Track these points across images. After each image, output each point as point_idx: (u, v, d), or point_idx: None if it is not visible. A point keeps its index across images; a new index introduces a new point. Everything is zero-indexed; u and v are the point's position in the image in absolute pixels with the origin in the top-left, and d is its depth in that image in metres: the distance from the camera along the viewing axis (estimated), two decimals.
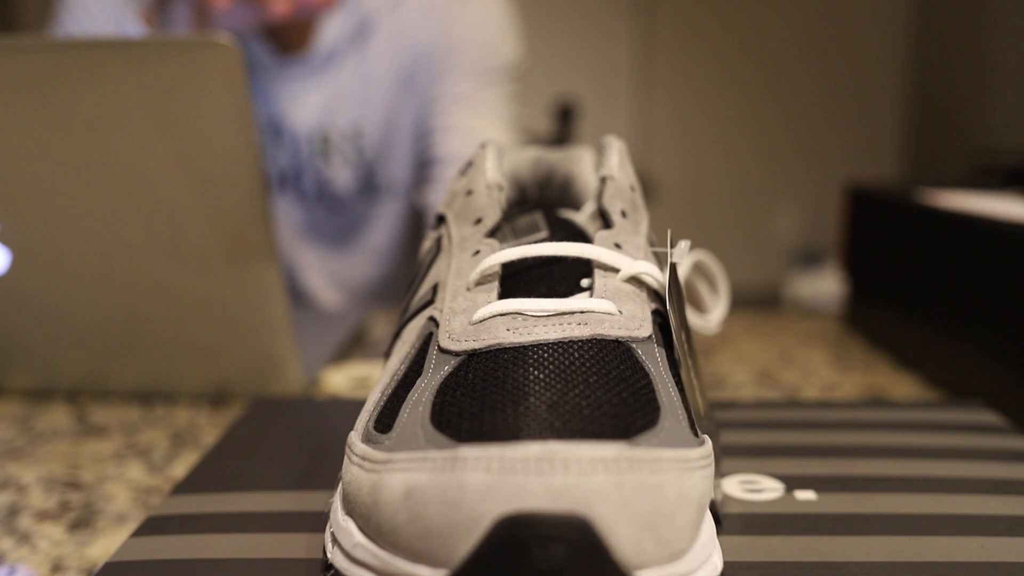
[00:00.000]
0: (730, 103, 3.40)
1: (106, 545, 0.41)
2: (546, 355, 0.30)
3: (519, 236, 0.37)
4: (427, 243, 0.41)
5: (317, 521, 0.35)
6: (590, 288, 0.34)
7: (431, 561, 0.25)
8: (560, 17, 3.33)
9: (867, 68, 3.37)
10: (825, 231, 3.37)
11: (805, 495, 0.37)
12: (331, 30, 0.94)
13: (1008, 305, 0.54)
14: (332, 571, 0.28)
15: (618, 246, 0.35)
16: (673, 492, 0.25)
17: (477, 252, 0.36)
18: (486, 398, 0.28)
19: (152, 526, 0.35)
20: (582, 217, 0.39)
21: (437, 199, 0.94)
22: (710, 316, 0.47)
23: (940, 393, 0.63)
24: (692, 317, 0.45)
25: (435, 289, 0.36)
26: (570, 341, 0.31)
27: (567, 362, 0.30)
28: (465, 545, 0.24)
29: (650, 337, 0.33)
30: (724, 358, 0.72)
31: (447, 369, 0.31)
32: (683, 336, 0.35)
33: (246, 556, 0.32)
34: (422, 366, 0.32)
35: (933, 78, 3.24)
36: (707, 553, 0.28)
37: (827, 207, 3.32)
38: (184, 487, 0.39)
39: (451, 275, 0.35)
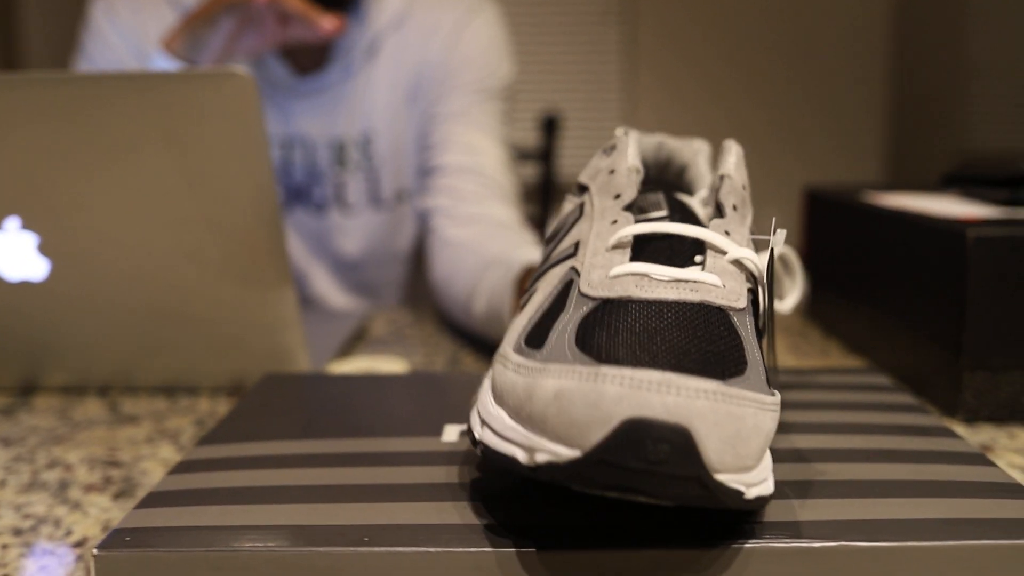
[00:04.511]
0: (714, 111, 3.48)
1: None
2: (665, 310, 0.38)
3: (644, 211, 0.46)
4: (568, 207, 0.49)
5: (318, 459, 0.43)
6: (702, 264, 0.42)
7: (569, 444, 0.32)
8: (548, 32, 3.40)
9: (849, 75, 3.44)
10: None
11: None
12: (345, 49, 1.02)
13: (939, 293, 0.61)
14: (481, 446, 0.37)
15: (727, 233, 0.43)
16: (751, 423, 0.33)
17: (615, 222, 0.44)
18: (619, 335, 0.36)
19: (185, 467, 0.43)
20: (695, 202, 0.47)
21: (435, 204, 1.01)
22: (786, 300, 0.54)
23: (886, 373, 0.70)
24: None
25: (576, 246, 0.44)
26: (684, 303, 0.39)
27: (681, 318, 0.38)
28: (598, 435, 0.32)
29: (744, 309, 0.40)
30: None
31: (585, 309, 0.39)
32: (770, 312, 0.43)
33: (262, 484, 0.40)
34: (564, 304, 0.40)
35: (913, 85, 3.32)
36: (766, 474, 0.36)
37: None
38: (207, 439, 0.47)
39: (592, 236, 0.43)
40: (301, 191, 1.07)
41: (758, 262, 0.43)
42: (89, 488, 0.51)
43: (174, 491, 0.40)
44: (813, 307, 0.88)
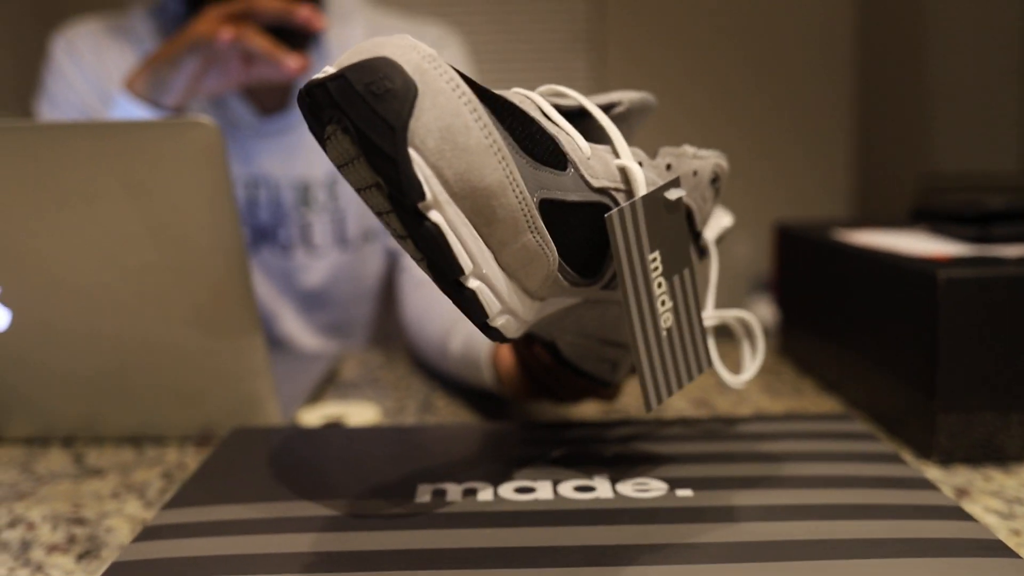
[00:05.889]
0: (683, 137, 3.50)
1: None
2: (520, 115, 0.41)
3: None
4: None
5: (287, 524, 0.41)
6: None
7: (338, 67, 0.37)
8: (518, 59, 3.41)
9: (816, 97, 3.48)
10: None
11: (684, 492, 0.45)
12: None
13: (911, 333, 0.61)
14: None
15: (640, 164, 0.45)
16: (476, 143, 0.37)
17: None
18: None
19: (150, 533, 0.42)
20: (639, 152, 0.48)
21: None
22: (741, 376, 0.53)
23: (859, 413, 0.70)
24: (724, 373, 0.52)
25: None
26: (542, 127, 0.41)
27: (530, 125, 0.41)
28: (355, 60, 0.37)
29: (597, 189, 0.42)
30: None
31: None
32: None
33: (229, 553, 0.39)
34: None
35: (879, 108, 3.35)
36: (487, 269, 0.39)
37: None
38: (174, 502, 0.45)
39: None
40: (267, 231, 1.06)
41: (642, 186, 0.43)
42: (52, 548, 0.50)
43: (138, 561, 0.39)
44: (786, 344, 0.87)
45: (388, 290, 1.15)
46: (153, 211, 0.59)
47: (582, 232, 0.42)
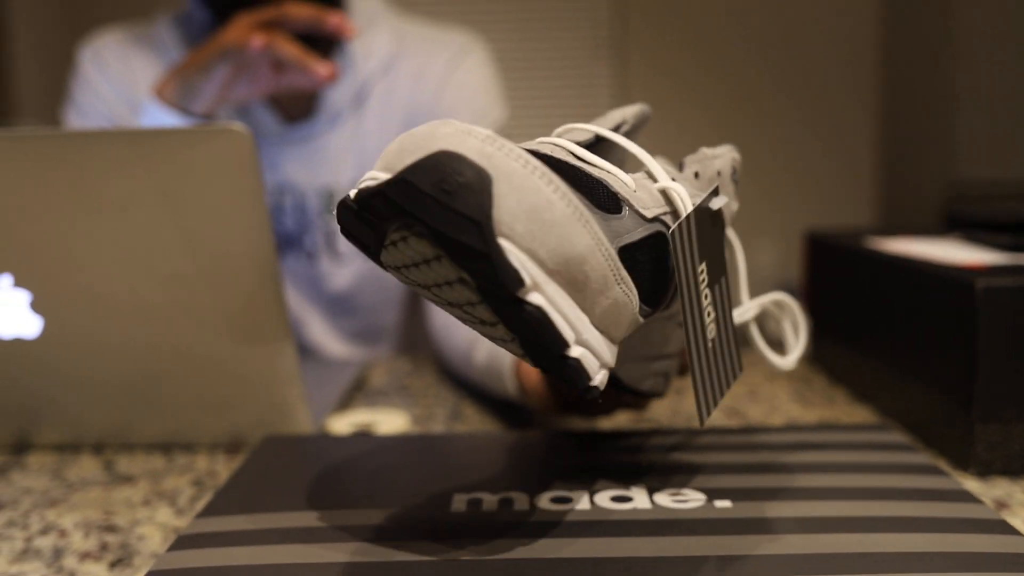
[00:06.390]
0: (707, 143, 3.49)
1: None
2: (567, 165, 0.40)
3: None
4: None
5: (321, 533, 0.41)
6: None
7: (389, 170, 0.35)
8: (540, 67, 3.41)
9: (840, 106, 3.46)
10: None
11: (723, 504, 0.44)
12: (333, 97, 1.01)
13: (947, 343, 0.60)
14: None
15: (673, 179, 0.44)
16: (560, 216, 0.36)
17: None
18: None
19: (184, 542, 0.42)
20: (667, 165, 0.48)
21: None
22: (788, 357, 0.53)
23: (892, 424, 0.69)
24: (771, 355, 0.52)
25: None
26: (586, 173, 0.40)
27: (577, 173, 0.40)
28: (412, 159, 0.34)
29: (650, 220, 0.41)
30: None
31: None
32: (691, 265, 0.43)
33: (264, 563, 0.39)
34: None
35: (902, 116, 3.33)
36: (587, 333, 0.38)
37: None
38: (207, 511, 0.45)
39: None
40: (292, 239, 1.06)
41: (687, 202, 0.43)
42: (85, 556, 0.50)
43: (174, 570, 0.39)
44: (817, 354, 0.87)
45: (415, 296, 1.14)
46: (186, 218, 0.59)
47: (647, 265, 0.41)
